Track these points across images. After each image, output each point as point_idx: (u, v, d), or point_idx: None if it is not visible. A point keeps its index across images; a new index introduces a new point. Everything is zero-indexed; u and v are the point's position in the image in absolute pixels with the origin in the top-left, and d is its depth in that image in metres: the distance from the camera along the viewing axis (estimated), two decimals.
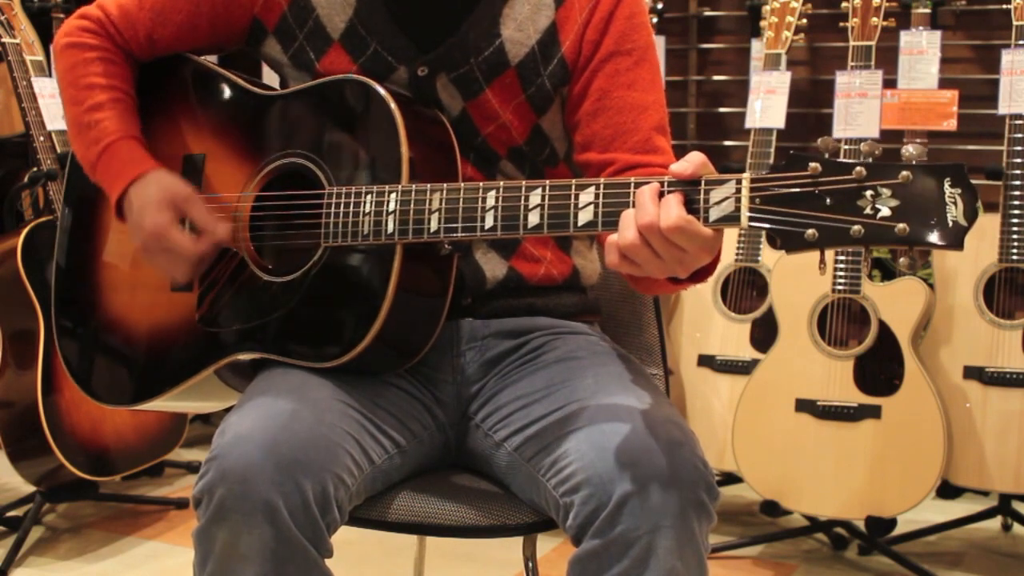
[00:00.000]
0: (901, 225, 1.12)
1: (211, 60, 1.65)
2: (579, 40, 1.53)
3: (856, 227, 1.14)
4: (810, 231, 1.15)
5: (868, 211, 1.14)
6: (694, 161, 1.21)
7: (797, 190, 1.16)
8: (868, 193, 1.14)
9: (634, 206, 1.22)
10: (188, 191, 1.52)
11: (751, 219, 1.18)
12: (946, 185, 1.12)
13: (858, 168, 1.14)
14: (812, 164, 1.16)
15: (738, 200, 1.19)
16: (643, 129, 1.52)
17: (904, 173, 1.13)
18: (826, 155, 1.16)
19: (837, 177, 1.15)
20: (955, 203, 1.12)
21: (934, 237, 1.12)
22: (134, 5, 1.60)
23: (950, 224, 1.12)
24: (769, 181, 1.17)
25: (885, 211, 1.13)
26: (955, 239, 1.12)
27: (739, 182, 1.19)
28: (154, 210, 1.50)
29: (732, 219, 1.19)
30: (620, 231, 1.22)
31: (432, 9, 1.54)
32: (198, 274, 1.53)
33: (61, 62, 1.62)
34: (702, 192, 1.20)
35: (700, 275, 1.31)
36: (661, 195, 1.21)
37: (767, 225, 1.17)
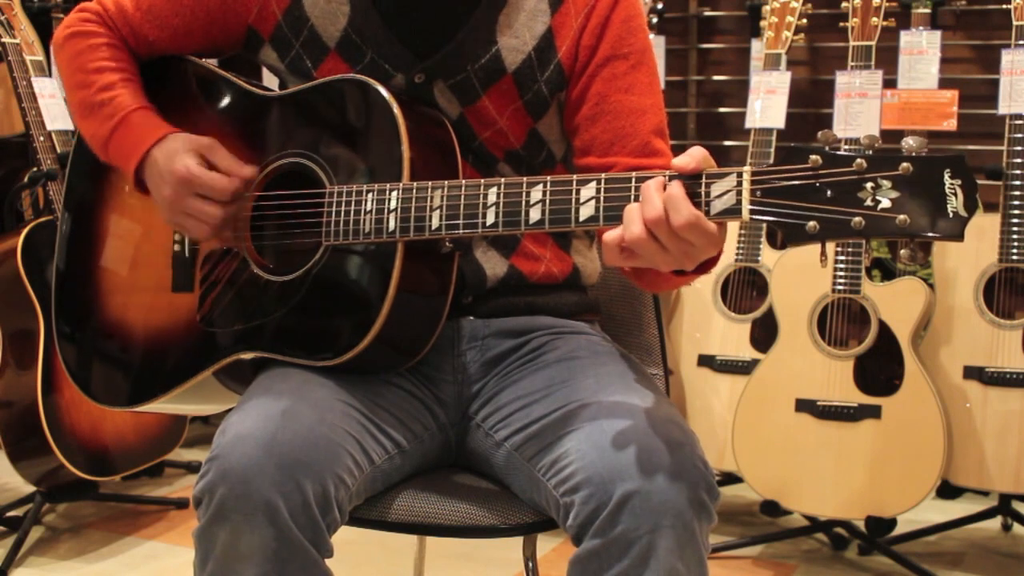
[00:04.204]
0: (902, 216, 1.12)
1: (211, 62, 1.65)
2: (575, 45, 1.53)
3: (857, 219, 1.14)
4: (811, 223, 1.15)
5: (869, 203, 1.14)
6: (696, 156, 1.22)
7: (798, 183, 1.16)
8: (868, 185, 1.14)
9: (637, 200, 1.23)
10: (210, 139, 1.52)
11: (752, 212, 1.18)
12: (946, 176, 1.12)
13: (858, 160, 1.14)
14: (812, 157, 1.16)
15: (739, 193, 1.19)
16: (642, 133, 1.52)
17: (904, 165, 1.13)
18: (826, 148, 1.16)
19: (837, 169, 1.15)
20: (955, 194, 1.12)
21: (935, 228, 1.12)
22: (131, 5, 1.60)
23: (950, 215, 1.12)
24: (770, 174, 1.18)
25: (886, 203, 1.13)
26: (956, 230, 1.12)
27: (740, 175, 1.19)
28: (181, 157, 1.49)
29: (734, 212, 1.19)
30: (625, 225, 1.22)
31: (427, 17, 1.54)
32: (227, 221, 1.50)
33: (65, 51, 1.61)
34: (703, 185, 1.21)
35: (705, 267, 1.31)
36: (665, 188, 1.21)
37: (768, 218, 1.17)
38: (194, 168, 1.47)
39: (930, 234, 1.12)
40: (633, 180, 1.25)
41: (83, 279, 1.68)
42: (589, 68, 1.53)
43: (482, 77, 1.53)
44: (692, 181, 1.21)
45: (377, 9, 1.54)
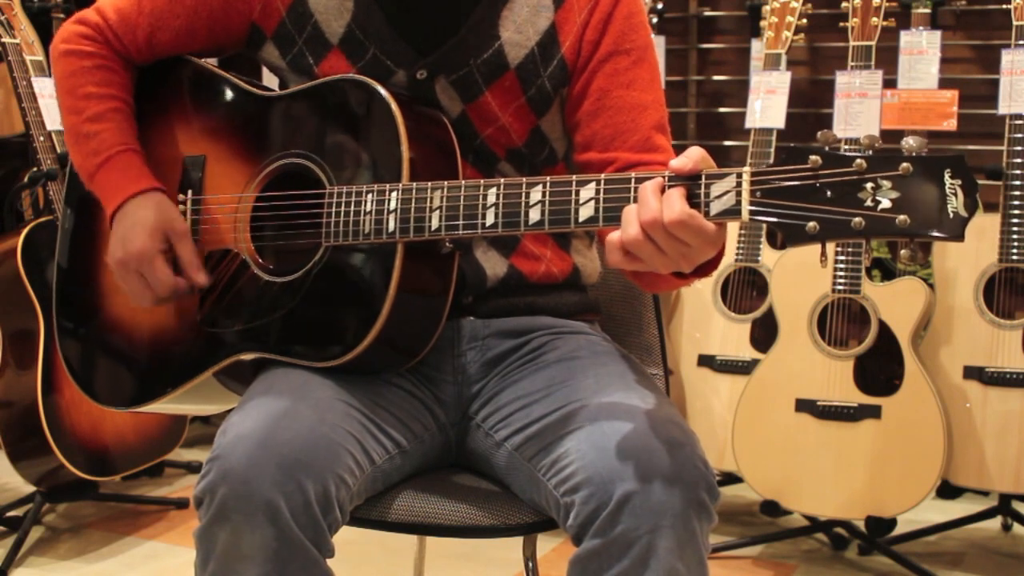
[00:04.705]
0: (902, 217, 1.12)
1: (211, 62, 1.65)
2: (578, 41, 1.53)
3: (857, 219, 1.14)
4: (811, 224, 1.15)
5: (869, 203, 1.14)
6: (693, 156, 1.21)
7: (798, 183, 1.16)
8: (869, 185, 1.14)
9: (636, 201, 1.23)
10: (184, 228, 1.54)
11: (752, 212, 1.18)
12: (946, 176, 1.12)
13: (858, 160, 1.14)
14: (812, 157, 1.16)
15: (739, 193, 1.19)
16: (643, 128, 1.52)
17: (904, 165, 1.13)
18: (826, 148, 1.16)
19: (837, 170, 1.15)
20: (955, 194, 1.12)
21: (935, 228, 1.12)
22: (133, 10, 1.60)
23: (951, 215, 1.12)
24: (770, 174, 1.17)
25: (886, 203, 1.13)
26: (956, 230, 1.12)
27: (740, 175, 1.19)
28: (146, 233, 1.51)
29: (733, 212, 1.19)
30: (623, 227, 1.22)
31: (430, 12, 1.54)
32: (156, 304, 1.54)
33: (58, 69, 1.61)
34: (703, 186, 1.20)
35: (705, 269, 1.31)
36: (663, 190, 1.21)
37: (768, 218, 1.17)
38: (149, 254, 1.50)
39: (930, 234, 1.12)
40: (632, 181, 1.25)
41: (84, 278, 1.68)
42: (591, 64, 1.53)
43: (484, 73, 1.53)
44: (691, 182, 1.21)
45: (380, 5, 1.54)
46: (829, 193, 1.15)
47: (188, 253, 1.53)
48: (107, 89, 1.59)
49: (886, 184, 1.13)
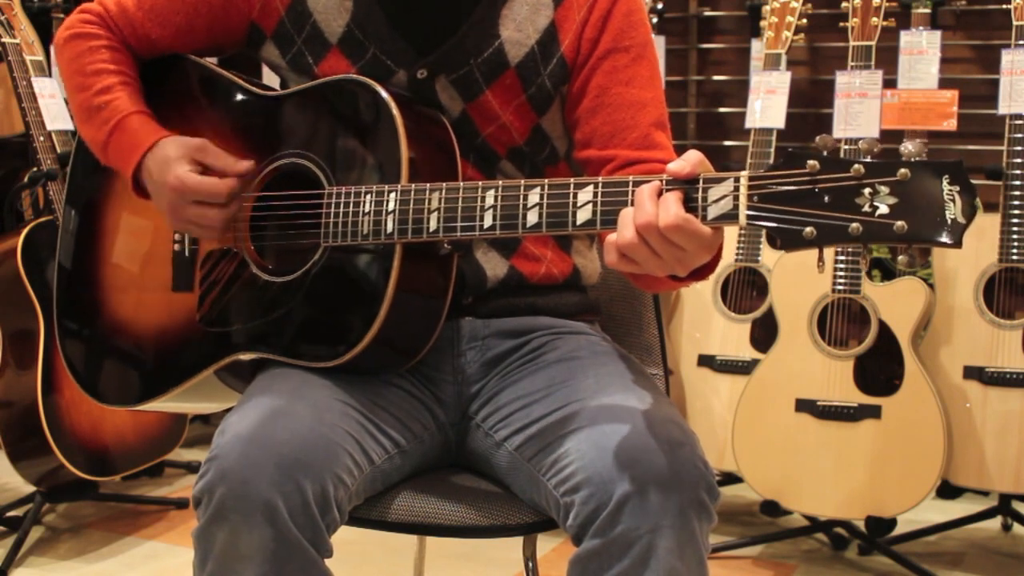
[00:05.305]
0: (900, 223, 1.12)
1: (211, 61, 1.66)
2: (578, 38, 1.54)
3: (854, 225, 1.13)
4: (808, 229, 1.15)
5: (866, 209, 1.13)
6: (691, 160, 1.21)
7: (795, 188, 1.16)
8: (866, 191, 1.13)
9: (633, 205, 1.23)
10: (201, 140, 1.51)
11: (749, 217, 1.18)
12: (944, 182, 1.12)
13: (856, 166, 1.14)
14: (810, 162, 1.16)
15: (736, 198, 1.18)
16: (642, 125, 1.52)
17: (902, 170, 1.12)
18: (824, 153, 1.16)
19: (835, 175, 1.15)
20: (954, 200, 1.11)
21: (933, 235, 1.11)
22: (133, 4, 1.60)
23: (949, 222, 1.11)
24: (767, 179, 1.17)
25: (883, 208, 1.13)
26: (954, 236, 1.11)
27: (737, 180, 1.19)
28: (173, 165, 1.49)
29: (730, 217, 1.19)
30: (618, 230, 1.22)
31: (430, 11, 1.54)
32: (230, 220, 1.51)
33: (65, 52, 1.62)
34: (700, 190, 1.20)
35: (701, 272, 1.31)
36: (660, 194, 1.21)
37: (765, 223, 1.17)
38: (186, 177, 1.48)
39: (928, 240, 1.12)
40: (630, 184, 1.25)
41: (85, 277, 1.68)
42: (590, 61, 1.53)
43: (485, 71, 1.53)
44: (689, 186, 1.21)
45: (380, 4, 1.54)
46: (827, 198, 1.15)
47: (218, 156, 1.50)
48: (116, 66, 1.59)
49: (884, 190, 1.13)
